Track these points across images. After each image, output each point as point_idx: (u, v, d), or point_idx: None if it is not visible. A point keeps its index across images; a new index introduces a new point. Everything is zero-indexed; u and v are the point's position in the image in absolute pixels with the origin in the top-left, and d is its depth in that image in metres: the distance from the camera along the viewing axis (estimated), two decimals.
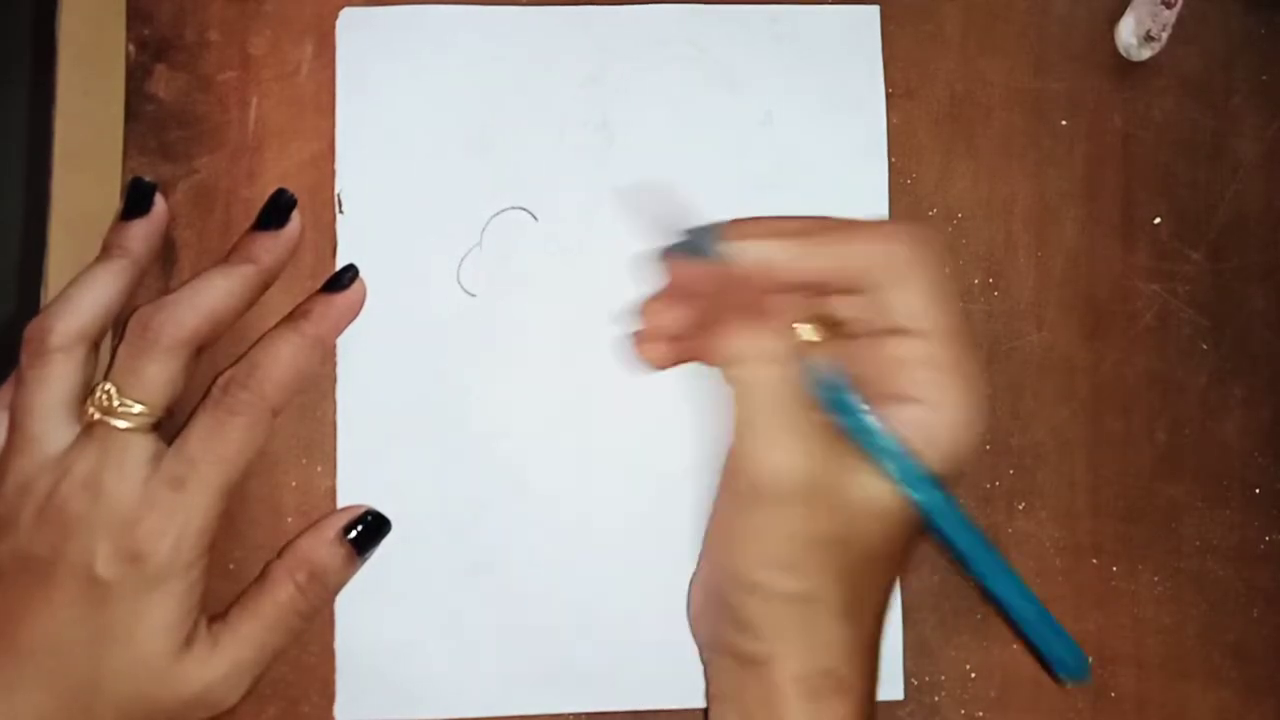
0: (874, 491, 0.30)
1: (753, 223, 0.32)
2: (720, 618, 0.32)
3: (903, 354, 0.30)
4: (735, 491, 0.31)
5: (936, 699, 0.37)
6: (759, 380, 0.30)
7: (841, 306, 0.32)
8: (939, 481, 0.30)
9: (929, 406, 0.30)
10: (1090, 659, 0.29)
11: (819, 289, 0.32)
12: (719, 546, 0.33)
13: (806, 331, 0.32)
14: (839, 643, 0.30)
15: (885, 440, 0.30)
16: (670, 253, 0.33)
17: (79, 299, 0.33)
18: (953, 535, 0.30)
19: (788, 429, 0.30)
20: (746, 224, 0.32)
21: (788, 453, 0.30)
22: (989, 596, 0.30)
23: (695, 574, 0.35)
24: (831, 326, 0.32)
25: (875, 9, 0.38)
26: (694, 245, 0.32)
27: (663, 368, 0.35)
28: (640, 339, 0.35)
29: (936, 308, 0.30)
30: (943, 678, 0.37)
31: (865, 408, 0.30)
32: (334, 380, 0.36)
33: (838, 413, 0.30)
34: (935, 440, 0.30)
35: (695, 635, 0.35)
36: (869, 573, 0.31)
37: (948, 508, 0.30)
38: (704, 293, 0.32)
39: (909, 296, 0.30)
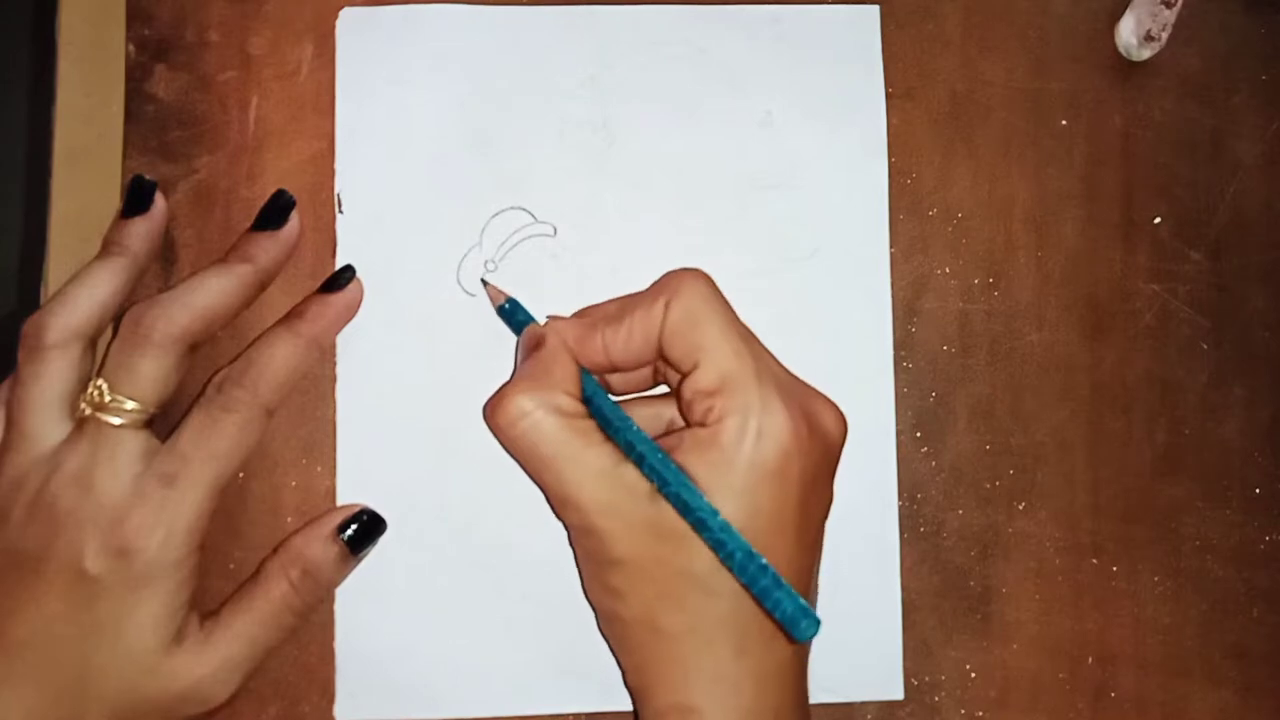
0: (659, 506, 0.31)
1: (593, 308, 0.36)
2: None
3: (689, 390, 0.32)
4: (568, 527, 0.34)
5: (936, 699, 0.37)
6: (530, 430, 0.32)
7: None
8: (665, 457, 0.30)
9: (711, 427, 0.31)
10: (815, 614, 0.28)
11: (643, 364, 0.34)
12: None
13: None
14: (692, 674, 0.30)
15: (627, 430, 0.31)
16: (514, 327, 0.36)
17: (76, 296, 0.33)
18: (671, 499, 0.30)
19: (573, 463, 0.31)
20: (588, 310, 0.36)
21: (577, 485, 0.31)
22: (723, 560, 0.30)
23: None
24: None
25: (875, 9, 0.38)
26: (511, 320, 0.36)
27: None
28: None
29: (689, 346, 0.31)
30: (943, 678, 0.37)
31: (614, 416, 0.32)
32: (334, 380, 0.36)
33: (613, 433, 0.32)
34: (730, 451, 0.30)
35: None
36: (696, 596, 0.31)
37: (662, 462, 0.30)
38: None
39: (674, 341, 0.32)
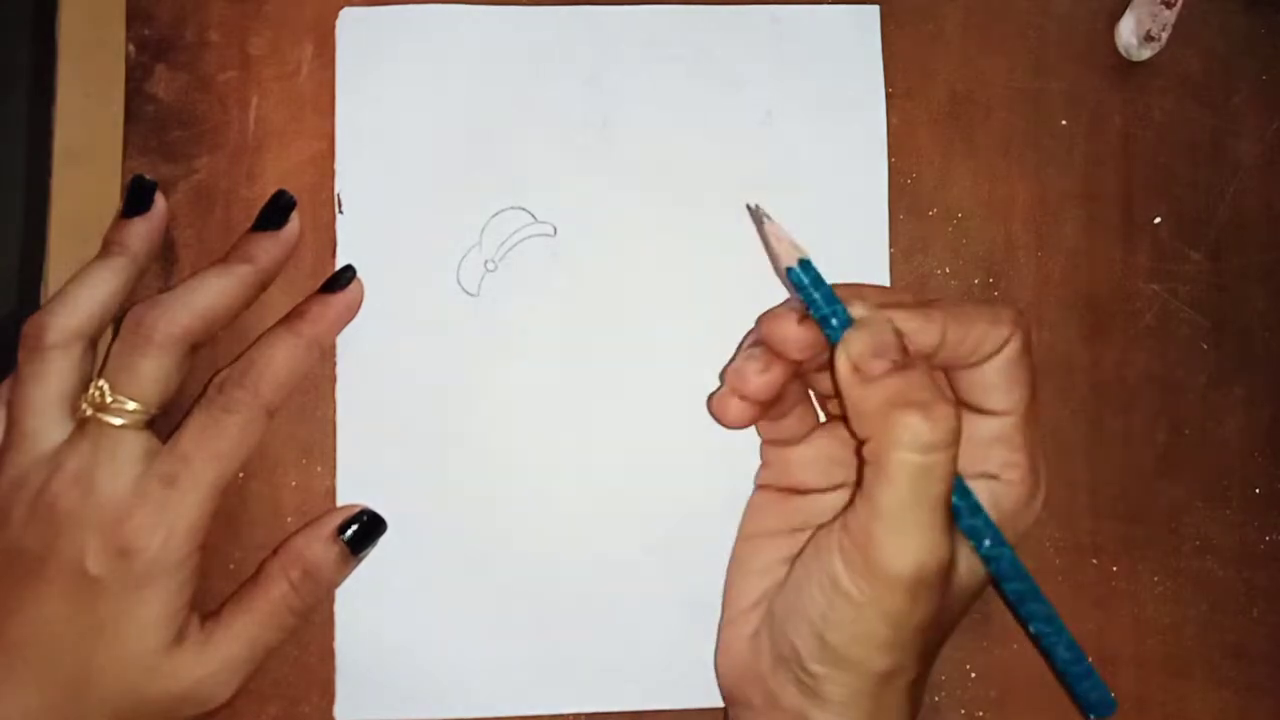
0: (972, 574, 0.31)
1: (870, 290, 0.32)
2: (783, 680, 0.31)
3: (988, 433, 0.31)
4: (849, 567, 0.29)
5: (936, 699, 0.37)
6: (928, 469, 0.28)
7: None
8: (1003, 539, 0.31)
9: (1002, 482, 0.31)
10: (1114, 698, 0.32)
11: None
12: (806, 615, 0.30)
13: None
14: (900, 717, 0.31)
15: (974, 503, 0.31)
16: (791, 308, 0.32)
17: (77, 296, 0.33)
18: (1016, 592, 0.31)
19: (938, 521, 0.28)
20: (863, 290, 0.32)
21: (934, 546, 0.28)
22: (1035, 642, 0.32)
23: (733, 624, 0.34)
24: None
25: (875, 9, 0.38)
26: (818, 307, 0.30)
27: (739, 427, 0.33)
28: (727, 396, 0.32)
29: (1021, 391, 0.31)
30: (943, 678, 0.37)
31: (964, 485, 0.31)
32: (334, 380, 0.36)
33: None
34: (1004, 513, 0.31)
35: (729, 686, 0.34)
36: (939, 646, 0.32)
37: (1014, 564, 0.31)
38: (801, 356, 0.31)
39: (1001, 379, 0.31)
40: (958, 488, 0.30)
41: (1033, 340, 0.32)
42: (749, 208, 0.34)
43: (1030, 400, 0.31)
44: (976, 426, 0.31)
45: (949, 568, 0.29)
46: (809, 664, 0.30)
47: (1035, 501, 0.32)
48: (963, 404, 0.31)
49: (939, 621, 0.30)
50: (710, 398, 0.34)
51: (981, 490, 0.31)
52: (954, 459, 0.28)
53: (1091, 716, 0.31)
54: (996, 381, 0.31)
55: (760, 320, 0.32)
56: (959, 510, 0.30)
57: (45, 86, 0.37)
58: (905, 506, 0.28)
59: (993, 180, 0.38)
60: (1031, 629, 0.31)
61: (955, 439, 0.28)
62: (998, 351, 0.31)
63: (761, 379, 0.31)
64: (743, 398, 0.32)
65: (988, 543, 0.30)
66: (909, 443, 0.28)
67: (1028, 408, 0.31)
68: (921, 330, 0.30)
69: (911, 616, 0.29)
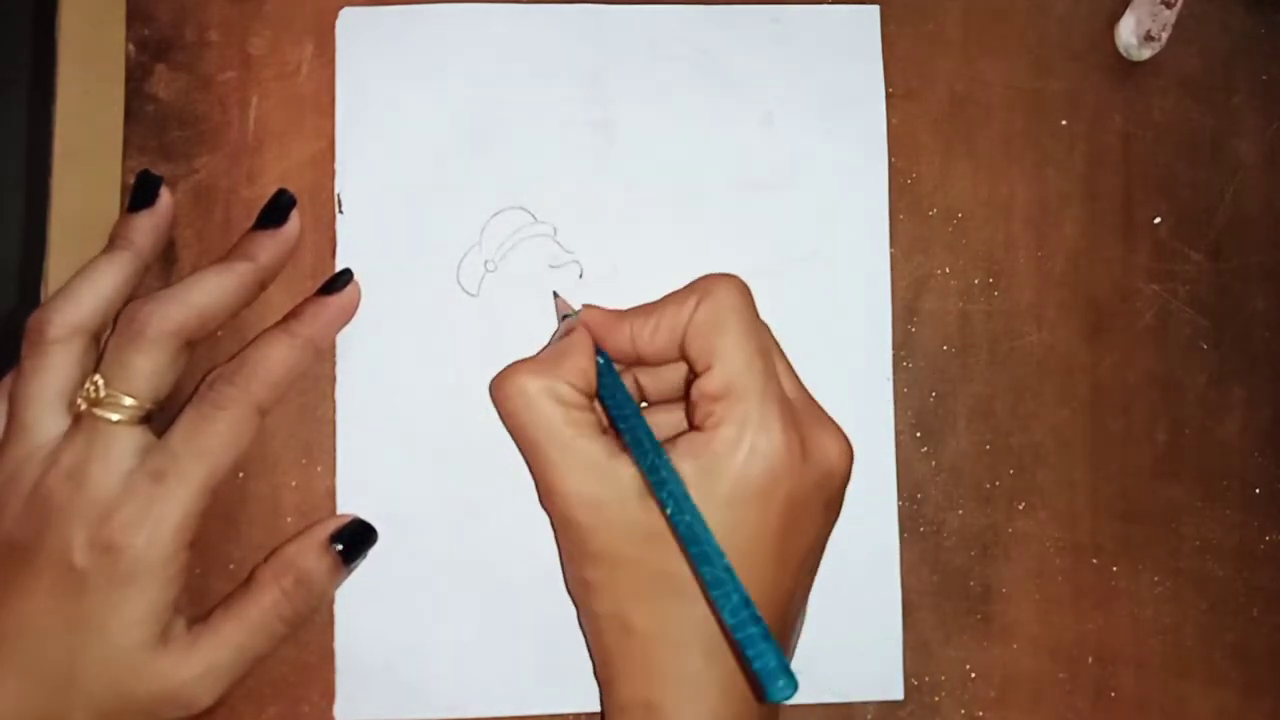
0: (645, 508, 0.31)
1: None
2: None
3: (696, 393, 0.32)
4: (551, 517, 0.33)
5: (936, 699, 0.37)
6: (524, 410, 0.32)
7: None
8: (674, 477, 0.30)
9: (705, 431, 0.31)
10: (795, 681, 0.26)
11: (661, 361, 0.34)
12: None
13: None
14: (657, 673, 0.31)
15: (634, 429, 0.31)
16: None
17: (80, 291, 0.33)
18: (680, 526, 0.29)
19: (562, 452, 0.31)
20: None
21: (563, 474, 0.31)
22: (706, 593, 0.29)
23: None
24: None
25: (875, 9, 0.38)
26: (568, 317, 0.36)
27: None
28: None
29: (720, 343, 0.31)
30: (943, 678, 0.37)
31: (630, 416, 0.32)
32: (334, 380, 0.36)
33: (617, 426, 0.32)
34: (717, 457, 0.30)
35: None
36: (670, 598, 0.31)
37: (674, 494, 0.30)
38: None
39: (693, 342, 0.32)
40: (653, 453, 0.31)
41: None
42: (554, 294, 0.37)
43: (719, 356, 0.31)
44: (693, 387, 0.32)
45: (607, 498, 0.31)
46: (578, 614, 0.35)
47: (741, 448, 0.30)
48: (697, 373, 0.32)
49: (633, 560, 0.31)
50: None
51: (684, 441, 0.31)
52: (550, 404, 0.32)
53: (767, 695, 0.26)
54: (690, 345, 0.32)
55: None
56: (657, 472, 0.30)
57: (45, 86, 0.37)
58: (529, 448, 0.33)
59: (993, 180, 0.38)
60: (702, 571, 0.29)
61: (543, 391, 0.32)
62: (697, 325, 0.32)
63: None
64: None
65: (670, 508, 0.30)
66: (506, 397, 0.33)
67: (719, 363, 0.31)
68: (611, 328, 0.34)
69: (581, 543, 0.32)
